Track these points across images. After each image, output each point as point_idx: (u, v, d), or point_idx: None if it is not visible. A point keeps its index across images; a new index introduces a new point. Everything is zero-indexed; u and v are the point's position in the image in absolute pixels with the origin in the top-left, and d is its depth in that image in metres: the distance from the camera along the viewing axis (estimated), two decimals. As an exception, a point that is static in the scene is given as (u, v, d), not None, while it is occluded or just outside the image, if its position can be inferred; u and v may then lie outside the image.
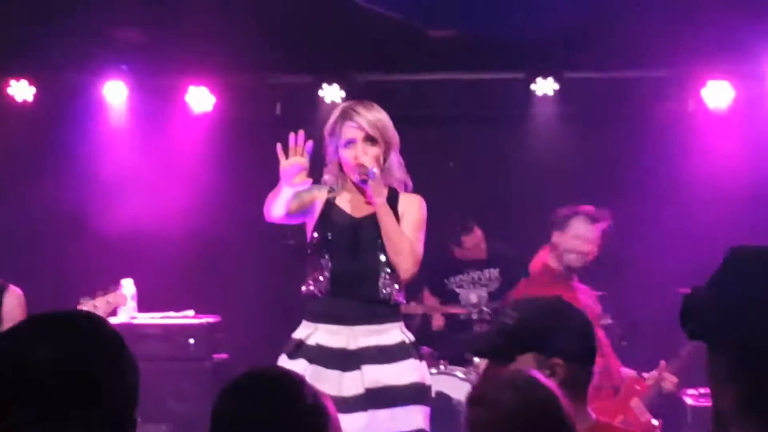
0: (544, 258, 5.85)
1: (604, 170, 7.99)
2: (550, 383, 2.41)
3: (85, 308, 4.87)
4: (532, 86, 8.12)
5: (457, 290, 7.26)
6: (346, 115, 4.44)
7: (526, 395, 2.34)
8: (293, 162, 4.25)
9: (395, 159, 4.48)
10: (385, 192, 4.42)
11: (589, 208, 5.79)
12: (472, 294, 7.21)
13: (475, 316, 7.03)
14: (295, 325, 4.57)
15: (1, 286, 5.00)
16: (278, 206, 4.35)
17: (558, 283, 5.64)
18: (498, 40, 7.65)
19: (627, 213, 7.78)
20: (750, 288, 1.80)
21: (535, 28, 7.30)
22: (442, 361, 6.46)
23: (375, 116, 4.43)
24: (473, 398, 2.41)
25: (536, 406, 2.33)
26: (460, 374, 6.34)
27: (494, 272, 7.25)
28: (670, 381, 5.64)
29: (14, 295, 4.99)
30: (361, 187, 4.47)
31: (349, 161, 4.42)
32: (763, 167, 7.72)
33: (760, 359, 1.78)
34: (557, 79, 8.07)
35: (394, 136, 4.47)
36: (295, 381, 2.19)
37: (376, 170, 4.36)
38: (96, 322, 1.93)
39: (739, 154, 7.79)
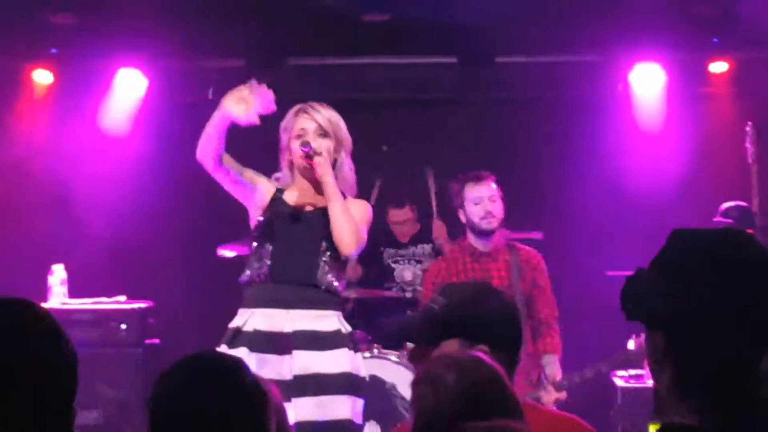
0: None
1: (536, 154, 8.06)
2: (495, 364, 2.43)
3: None
4: (465, 70, 8.15)
5: (393, 265, 7.30)
6: (300, 110, 4.52)
7: (471, 375, 2.36)
8: (235, 90, 4.31)
9: (346, 162, 4.53)
10: (333, 175, 4.43)
11: (469, 174, 5.83)
12: (407, 271, 7.26)
13: (408, 295, 7.07)
14: (228, 311, 4.57)
15: None
16: (206, 137, 4.36)
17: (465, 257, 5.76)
18: (430, 24, 7.67)
19: (559, 196, 7.87)
20: (686, 268, 1.84)
21: (467, 13, 7.33)
22: (375, 345, 6.49)
23: (330, 113, 4.52)
24: (419, 379, 2.42)
25: (481, 386, 2.35)
26: (393, 358, 6.37)
27: (427, 247, 7.31)
28: (548, 396, 5.50)
29: None
30: (310, 181, 4.49)
31: (298, 150, 4.44)
32: (693, 149, 7.84)
33: (692, 338, 1.81)
34: (488, 64, 8.10)
35: (347, 138, 4.53)
36: (233, 364, 2.20)
37: (323, 152, 4.39)
38: (32, 309, 1.91)
39: (670, 136, 7.89)
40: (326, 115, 4.49)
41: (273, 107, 4.39)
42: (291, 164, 4.55)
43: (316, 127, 4.46)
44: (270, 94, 4.38)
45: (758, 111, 7.27)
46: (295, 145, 4.46)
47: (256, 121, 4.36)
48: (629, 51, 7.86)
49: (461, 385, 2.33)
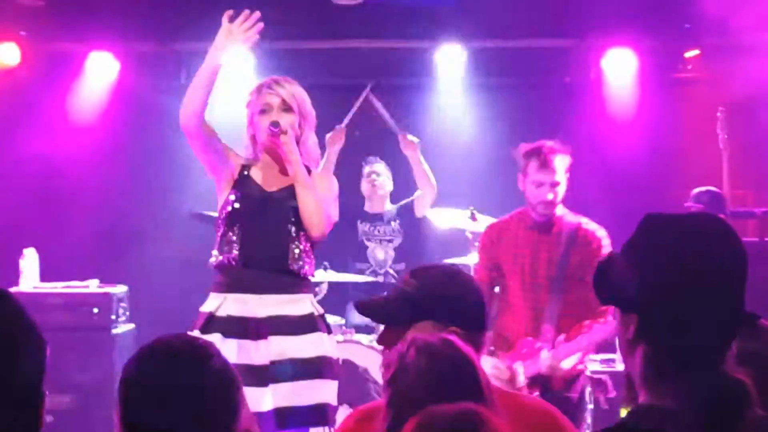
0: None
1: (509, 139, 8.06)
2: (467, 346, 2.44)
3: None
4: (437, 55, 8.16)
5: (367, 243, 7.31)
6: (264, 85, 4.48)
7: (443, 358, 2.37)
8: (220, 32, 4.38)
9: (311, 137, 4.51)
10: (298, 152, 4.41)
11: (536, 150, 5.27)
12: (380, 250, 7.27)
13: (381, 279, 7.09)
14: (201, 294, 4.55)
15: None
16: (193, 91, 4.34)
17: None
18: (403, 9, 7.66)
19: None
20: (659, 251, 1.86)
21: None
22: (347, 329, 6.51)
23: (293, 88, 4.48)
24: (390, 362, 2.43)
25: (452, 369, 2.36)
26: (365, 342, 6.39)
27: (396, 225, 7.32)
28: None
29: None
30: (274, 156, 4.46)
31: (262, 126, 4.42)
32: (666, 134, 7.87)
33: (664, 322, 1.83)
34: (462, 48, 8.11)
35: (311, 113, 4.51)
36: (203, 347, 2.21)
37: (288, 130, 4.37)
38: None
39: (642, 121, 7.92)
40: (290, 90, 4.46)
41: (257, 15, 4.49)
42: (254, 139, 4.51)
43: (281, 102, 4.42)
44: (256, 15, 4.46)
45: (729, 96, 7.31)
46: (261, 121, 4.43)
47: (256, 37, 4.47)
48: (602, 36, 7.88)
49: (432, 368, 2.35)
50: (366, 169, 7.40)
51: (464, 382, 2.37)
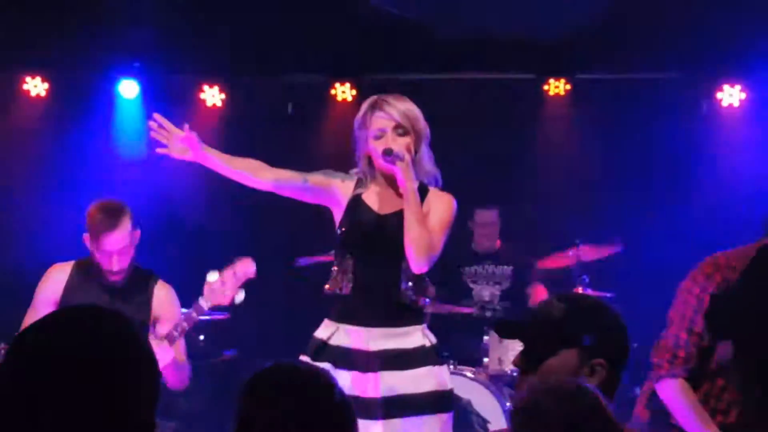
0: None
1: (616, 172, 7.98)
2: (596, 391, 2.30)
3: (211, 280, 5.02)
4: (544, 87, 8.12)
5: (471, 285, 7.23)
6: (376, 106, 4.30)
7: (574, 405, 2.23)
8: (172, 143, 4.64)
9: (426, 152, 4.33)
10: (415, 180, 4.25)
11: None
12: (486, 291, 7.18)
13: (488, 314, 6.98)
14: (303, 322, 4.53)
15: (152, 277, 5.38)
16: (242, 180, 4.57)
17: None
18: (508, 40, 7.65)
19: (639, 214, 7.78)
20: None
21: (547, 29, 7.30)
22: (451, 361, 6.45)
23: (405, 106, 4.30)
24: (521, 407, 2.28)
25: (583, 416, 2.22)
26: (469, 374, 6.34)
27: (507, 270, 7.22)
28: None
29: (164, 288, 5.34)
30: (390, 179, 4.30)
31: (378, 151, 4.26)
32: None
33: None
34: (569, 80, 8.06)
35: (425, 127, 4.32)
36: (324, 377, 2.18)
37: (405, 155, 4.21)
38: (113, 319, 1.91)
39: (752, 155, 7.78)
40: (402, 109, 4.27)
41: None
42: (368, 160, 4.35)
43: (395, 126, 4.25)
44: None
45: None
46: (377, 146, 4.25)
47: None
48: (715, 69, 7.76)
49: (563, 415, 2.21)
50: (477, 215, 7.28)
51: (598, 424, 2.22)
